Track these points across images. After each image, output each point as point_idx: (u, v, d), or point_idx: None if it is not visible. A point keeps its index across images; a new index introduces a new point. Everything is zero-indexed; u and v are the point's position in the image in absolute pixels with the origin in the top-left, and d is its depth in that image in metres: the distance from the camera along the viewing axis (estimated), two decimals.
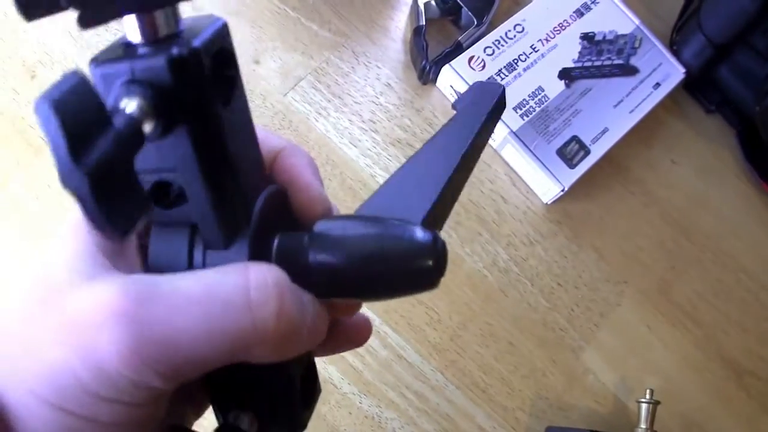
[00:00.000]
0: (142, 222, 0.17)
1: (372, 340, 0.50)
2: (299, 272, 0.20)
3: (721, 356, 0.54)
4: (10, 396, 0.18)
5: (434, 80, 0.57)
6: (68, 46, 0.54)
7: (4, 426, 0.18)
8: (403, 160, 0.35)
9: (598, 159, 0.55)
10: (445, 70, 0.55)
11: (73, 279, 0.18)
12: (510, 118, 0.54)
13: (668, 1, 0.63)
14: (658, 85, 0.58)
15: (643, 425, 0.47)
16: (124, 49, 0.18)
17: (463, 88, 0.55)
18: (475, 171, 0.56)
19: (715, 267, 0.57)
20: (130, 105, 0.17)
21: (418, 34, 0.56)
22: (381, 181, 0.53)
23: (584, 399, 0.51)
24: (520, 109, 0.55)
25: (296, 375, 0.24)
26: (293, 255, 0.21)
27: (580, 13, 0.59)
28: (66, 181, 0.15)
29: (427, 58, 0.55)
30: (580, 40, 0.58)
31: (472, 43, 0.56)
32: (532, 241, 0.55)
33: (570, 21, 0.58)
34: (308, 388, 0.26)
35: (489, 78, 0.55)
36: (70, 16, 0.16)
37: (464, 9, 0.57)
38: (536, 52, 0.57)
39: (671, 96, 0.59)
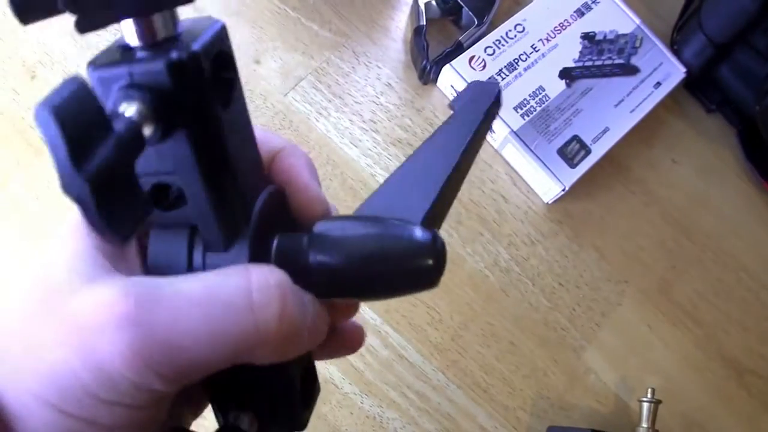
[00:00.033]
0: (143, 225, 0.16)
1: (373, 340, 0.50)
2: (299, 273, 0.20)
3: (722, 355, 0.54)
4: (9, 396, 0.18)
5: (435, 80, 0.57)
6: (68, 46, 0.54)
7: (4, 426, 0.18)
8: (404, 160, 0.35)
9: (599, 158, 0.55)
10: (446, 69, 0.55)
11: (73, 280, 0.18)
12: (511, 118, 0.54)
13: (669, 0, 0.63)
14: (658, 84, 0.58)
15: (644, 424, 0.47)
16: (122, 53, 0.18)
17: (463, 88, 0.55)
18: (476, 171, 0.56)
19: (716, 266, 0.57)
20: (130, 109, 0.17)
21: (418, 34, 0.56)
22: (382, 181, 0.53)
23: (585, 398, 0.51)
24: (521, 109, 0.55)
25: (296, 375, 0.24)
26: (293, 255, 0.21)
27: (580, 12, 0.59)
28: (67, 188, 0.15)
29: (427, 58, 0.55)
30: (580, 40, 0.58)
31: (473, 43, 0.56)
32: (533, 241, 0.55)
33: (570, 21, 0.58)
34: (308, 388, 0.26)
35: (490, 78, 0.55)
36: (70, 17, 0.16)
37: (465, 9, 0.57)
38: (537, 51, 0.57)
39: (672, 95, 0.59)
